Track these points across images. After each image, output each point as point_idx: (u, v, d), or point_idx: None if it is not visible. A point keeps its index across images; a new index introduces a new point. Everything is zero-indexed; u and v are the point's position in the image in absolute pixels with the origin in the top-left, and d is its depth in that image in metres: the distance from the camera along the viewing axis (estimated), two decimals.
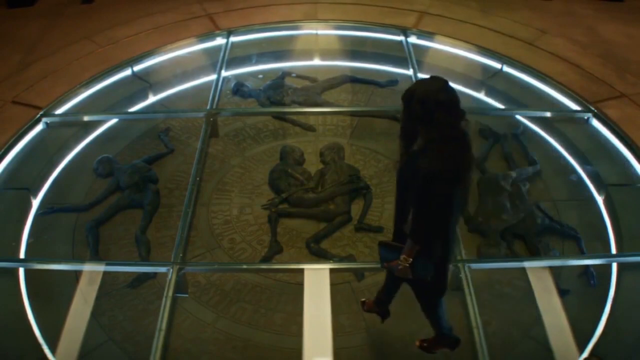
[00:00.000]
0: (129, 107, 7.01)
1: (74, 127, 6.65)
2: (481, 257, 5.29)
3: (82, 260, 5.23)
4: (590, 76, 7.28)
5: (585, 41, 8.04)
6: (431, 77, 3.40)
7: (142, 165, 6.06)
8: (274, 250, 5.33)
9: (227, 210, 5.75)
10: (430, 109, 3.22)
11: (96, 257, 5.27)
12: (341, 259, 5.23)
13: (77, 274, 5.09)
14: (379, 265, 5.13)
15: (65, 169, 6.21)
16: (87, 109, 6.84)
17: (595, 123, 6.67)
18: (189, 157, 6.25)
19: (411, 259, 3.60)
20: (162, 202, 5.84)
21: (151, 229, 5.56)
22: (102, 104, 6.95)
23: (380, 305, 4.51)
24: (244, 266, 5.25)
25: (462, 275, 4.86)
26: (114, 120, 6.77)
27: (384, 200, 5.78)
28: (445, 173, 3.29)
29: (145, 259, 5.24)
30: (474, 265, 5.01)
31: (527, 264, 5.14)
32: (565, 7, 8.94)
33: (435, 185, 3.30)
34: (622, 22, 8.54)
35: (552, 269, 5.11)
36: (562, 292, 4.98)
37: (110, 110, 6.90)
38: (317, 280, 4.72)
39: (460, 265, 4.93)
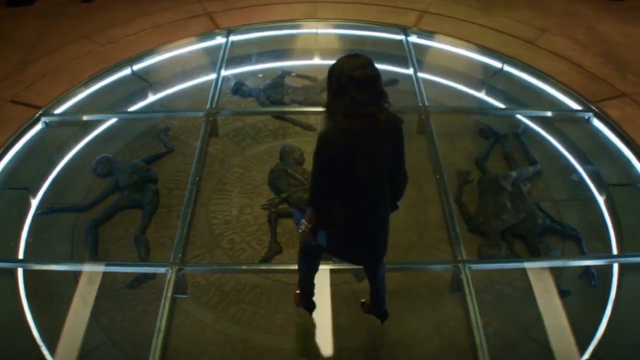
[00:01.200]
0: (129, 107, 6.99)
1: (73, 126, 6.63)
2: (481, 258, 5.27)
3: (81, 260, 5.21)
4: (591, 75, 7.26)
5: (586, 40, 8.03)
6: (355, 54, 3.41)
7: (141, 165, 6.04)
8: (274, 251, 5.31)
9: (226, 211, 5.73)
10: (343, 84, 3.29)
11: (95, 258, 5.24)
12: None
13: (76, 275, 5.07)
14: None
15: (65, 168, 6.18)
16: (86, 108, 6.82)
17: (596, 123, 6.65)
18: (189, 157, 6.23)
19: (311, 225, 3.72)
20: (161, 202, 5.81)
21: (150, 229, 5.54)
22: (101, 103, 6.93)
23: (307, 296, 4.55)
24: (244, 267, 5.23)
25: (463, 275, 4.84)
26: (113, 120, 6.75)
27: None
28: (322, 142, 3.41)
29: (144, 260, 5.22)
30: (475, 266, 4.99)
31: (527, 265, 5.13)
32: (565, 6, 8.93)
33: (315, 153, 3.45)
34: (622, 21, 8.53)
35: (552, 269, 5.11)
36: (563, 293, 4.98)
37: (109, 110, 6.88)
38: (316, 281, 4.67)
39: (460, 265, 4.92)
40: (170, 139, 6.56)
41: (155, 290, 4.95)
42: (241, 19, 8.31)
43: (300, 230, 3.81)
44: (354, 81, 3.29)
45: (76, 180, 6.07)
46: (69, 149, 6.37)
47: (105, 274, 5.05)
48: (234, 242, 5.43)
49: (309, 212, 3.73)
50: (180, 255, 4.99)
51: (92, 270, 5.05)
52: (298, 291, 4.59)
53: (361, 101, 3.31)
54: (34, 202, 5.79)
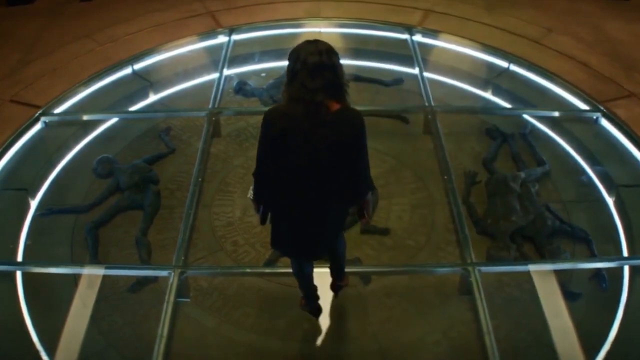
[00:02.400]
0: (129, 106, 6.89)
1: (73, 126, 6.53)
2: (491, 260, 5.16)
3: (81, 263, 5.11)
4: (598, 75, 7.16)
5: (592, 39, 7.92)
6: (315, 40, 3.36)
7: (142, 166, 5.94)
8: (278, 254, 5.17)
9: (229, 212, 5.63)
10: (297, 68, 3.25)
11: (95, 260, 5.14)
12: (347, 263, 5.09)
13: (76, 278, 4.97)
14: (386, 269, 5.08)
15: (64, 169, 6.09)
16: (86, 108, 6.72)
17: (604, 123, 6.54)
18: (191, 157, 6.13)
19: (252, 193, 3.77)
20: (163, 203, 5.71)
21: (152, 231, 5.44)
22: (101, 103, 6.83)
23: (310, 300, 4.51)
24: (248, 270, 5.11)
25: (472, 278, 4.75)
26: (113, 120, 6.65)
27: (391, 201, 5.65)
28: (263, 118, 3.41)
29: (146, 262, 5.12)
30: (484, 269, 4.90)
31: (537, 267, 5.03)
32: (570, 5, 8.82)
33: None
34: (627, 20, 8.43)
35: (562, 272, 5.02)
36: (574, 296, 4.90)
37: (110, 110, 6.78)
38: (319, 284, 4.58)
39: (470, 268, 4.82)
40: (172, 139, 6.46)
41: (157, 294, 4.83)
42: (243, 17, 8.21)
43: (247, 196, 3.83)
44: (306, 67, 3.23)
45: (76, 181, 5.97)
46: (69, 149, 6.28)
47: (105, 277, 4.94)
48: (237, 245, 5.32)
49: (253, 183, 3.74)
50: (182, 258, 4.89)
51: (92, 273, 4.95)
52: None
53: (310, 88, 3.23)
54: (33, 204, 5.70)
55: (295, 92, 3.28)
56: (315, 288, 4.49)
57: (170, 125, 6.63)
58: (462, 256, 5.05)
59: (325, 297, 4.63)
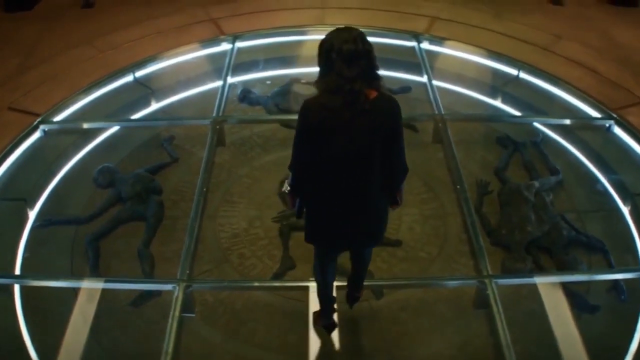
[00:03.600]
0: (131, 114, 6.72)
1: (73, 134, 6.37)
2: (507, 272, 4.98)
3: (81, 276, 4.93)
4: (608, 82, 7.04)
5: (601, 46, 7.82)
6: (346, 27, 3.26)
7: (144, 175, 5.77)
8: (287, 266, 5.02)
9: (235, 223, 5.45)
10: (332, 58, 3.15)
11: (96, 273, 4.96)
12: None
13: (76, 291, 4.79)
14: (399, 282, 4.90)
15: (64, 179, 5.90)
16: (86, 116, 6.56)
17: (617, 130, 6.40)
18: (194, 167, 5.96)
19: (289, 188, 3.69)
20: (166, 214, 5.53)
21: (155, 243, 5.25)
22: (102, 110, 6.67)
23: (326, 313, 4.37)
24: (256, 283, 4.93)
25: (490, 291, 4.57)
26: (115, 128, 6.47)
27: (401, 212, 5.45)
28: (301, 111, 3.29)
29: (149, 275, 4.94)
30: (501, 281, 4.73)
31: (555, 279, 4.90)
32: (578, 11, 8.74)
33: (297, 118, 3.34)
34: (636, 26, 8.34)
35: (579, 284, 4.89)
36: (592, 308, 4.75)
37: (111, 118, 6.61)
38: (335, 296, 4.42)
39: (487, 281, 4.65)
40: (175, 148, 6.30)
41: (161, 308, 4.63)
42: (247, 24, 8.07)
43: (282, 188, 3.76)
44: (342, 55, 3.13)
45: (76, 191, 5.80)
46: (69, 158, 6.11)
47: (106, 290, 4.77)
48: (243, 257, 5.14)
49: (290, 176, 3.66)
50: (187, 272, 4.71)
51: (92, 287, 4.77)
52: (317, 310, 4.38)
53: (348, 77, 3.14)
54: (32, 214, 5.52)
55: (333, 83, 3.17)
56: (334, 300, 4.35)
57: (173, 133, 6.46)
58: (476, 268, 4.89)
59: (337, 312, 4.44)
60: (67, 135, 6.35)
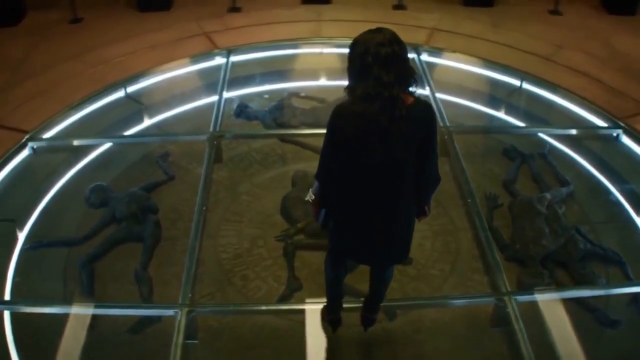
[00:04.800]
0: (123, 131, 6.48)
1: (63, 152, 6.13)
2: (524, 288, 4.75)
3: (75, 302, 4.64)
4: (613, 91, 6.92)
5: (604, 55, 7.72)
6: (378, 29, 3.05)
7: (140, 194, 5.51)
8: (293, 288, 4.75)
9: (236, 243, 5.19)
10: (368, 63, 2.94)
11: (91, 298, 4.67)
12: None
13: (69, 318, 4.49)
14: (414, 302, 4.66)
15: (55, 198, 5.64)
16: (77, 132, 6.31)
17: (626, 139, 6.26)
18: (191, 185, 5.71)
19: (316, 199, 3.50)
20: (163, 234, 5.26)
21: (153, 265, 4.98)
22: (93, 127, 6.43)
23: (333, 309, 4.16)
24: (263, 307, 4.65)
25: (510, 309, 4.35)
26: (107, 145, 6.23)
27: None
28: (334, 118, 3.11)
29: (147, 300, 4.65)
30: (521, 298, 4.50)
31: (575, 294, 4.72)
32: (578, 21, 8.65)
33: (327, 125, 3.16)
34: (637, 35, 8.26)
35: (598, 298, 4.70)
36: (613, 323, 4.56)
37: (102, 134, 6.38)
38: (345, 318, 4.19)
39: (506, 298, 4.42)
40: (170, 165, 6.06)
41: (161, 335, 4.34)
42: (241, 38, 7.89)
43: (306, 198, 3.56)
44: (379, 59, 2.92)
45: (68, 211, 5.54)
46: (59, 176, 5.84)
47: (102, 317, 4.51)
48: (247, 279, 4.88)
49: (316, 186, 3.47)
50: (190, 295, 4.43)
51: (87, 313, 4.49)
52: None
53: (387, 82, 2.93)
54: (21, 236, 5.25)
55: (371, 89, 2.95)
56: (342, 295, 4.14)
57: (168, 150, 6.23)
58: (492, 285, 4.70)
59: (349, 336, 4.24)
60: (57, 153, 6.11)
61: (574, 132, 6.48)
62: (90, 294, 4.71)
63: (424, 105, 3.17)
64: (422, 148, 3.18)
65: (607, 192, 5.84)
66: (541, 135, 6.50)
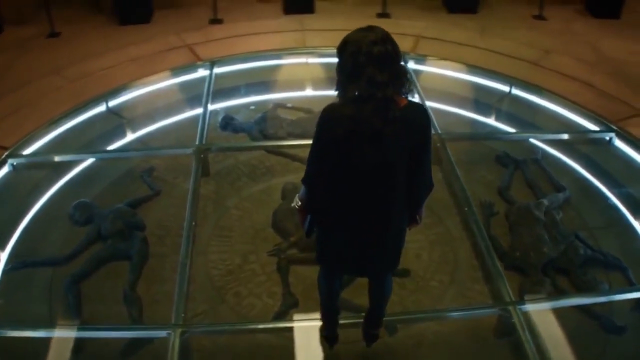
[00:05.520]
0: (106, 146, 6.27)
1: (44, 168, 5.91)
2: (527, 297, 4.60)
3: (61, 324, 4.42)
4: (604, 94, 6.89)
5: (592, 59, 7.71)
6: (369, 27, 2.92)
7: (125, 210, 5.32)
8: (289, 304, 4.56)
9: (228, 259, 5.00)
10: (361, 62, 2.80)
11: (78, 320, 4.45)
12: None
13: (56, 342, 4.26)
14: (416, 315, 4.49)
15: (37, 216, 5.42)
16: (58, 148, 6.10)
17: (619, 143, 6.21)
18: (178, 200, 5.54)
19: (300, 202, 3.36)
20: (151, 251, 5.05)
21: (141, 283, 4.77)
22: (75, 142, 6.23)
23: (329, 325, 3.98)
24: (259, 325, 4.45)
25: (515, 319, 4.21)
26: (89, 161, 6.01)
27: (407, 238, 5.04)
28: (323, 120, 2.98)
29: (137, 320, 4.44)
30: (527, 307, 4.36)
31: (580, 301, 4.61)
32: (564, 26, 8.64)
33: (316, 126, 3.04)
34: (622, 38, 8.28)
35: (602, 304, 4.60)
36: (619, 329, 4.45)
37: (84, 149, 6.17)
38: (343, 334, 4.02)
39: (511, 308, 4.29)
40: (155, 180, 5.86)
41: (153, 357, 4.17)
42: (224, 49, 7.74)
43: (292, 204, 3.42)
44: (372, 58, 2.79)
45: (51, 230, 5.31)
46: (41, 193, 5.63)
47: (91, 340, 4.31)
48: (240, 296, 4.69)
49: (302, 190, 3.32)
50: (182, 315, 4.23)
51: (75, 336, 4.27)
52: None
53: (381, 82, 2.81)
54: (3, 256, 5.02)
55: (364, 89, 2.82)
56: (338, 311, 3.96)
57: (152, 165, 6.04)
58: (493, 294, 4.58)
59: (349, 352, 4.08)
60: (38, 170, 5.90)
61: (566, 136, 6.40)
62: (77, 316, 4.50)
63: (418, 108, 3.06)
64: (415, 152, 3.05)
65: (603, 197, 5.76)
66: (534, 141, 6.41)
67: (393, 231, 3.31)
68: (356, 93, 2.84)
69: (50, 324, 4.44)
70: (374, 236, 3.27)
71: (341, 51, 2.92)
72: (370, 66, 2.80)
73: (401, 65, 2.93)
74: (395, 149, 2.99)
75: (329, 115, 2.96)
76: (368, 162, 2.99)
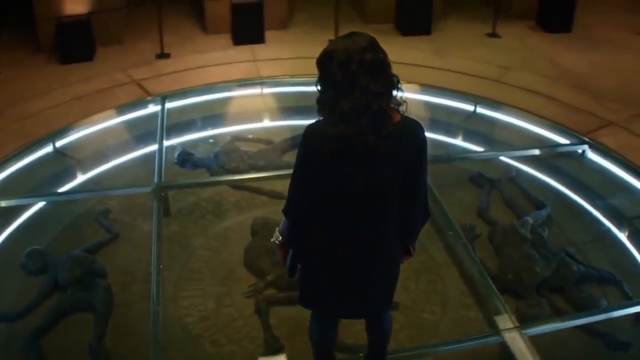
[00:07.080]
0: (56, 188, 5.80)
1: None
2: (525, 320, 4.30)
3: None
4: (570, 107, 6.89)
5: (552, 73, 7.73)
6: (352, 33, 2.65)
7: (83, 256, 4.87)
8: (273, 348, 4.15)
9: (201, 304, 4.59)
10: (353, 72, 2.51)
11: None
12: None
13: None
14: (409, 353, 4.12)
15: None
16: (3, 193, 5.62)
17: (592, 155, 6.14)
18: (139, 242, 5.14)
19: (280, 237, 3.01)
20: (116, 300, 4.61)
21: (108, 336, 4.31)
22: (21, 186, 5.76)
23: None
24: None
25: (523, 345, 3.93)
26: (39, 205, 5.55)
27: None
28: (308, 141, 2.69)
29: None
30: (532, 331, 4.08)
31: (584, 320, 4.36)
32: (517, 42, 8.65)
33: (299, 148, 2.76)
34: (578, 51, 8.33)
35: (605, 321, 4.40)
36: (624, 346, 4.27)
37: (32, 193, 5.71)
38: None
39: (516, 334, 4.01)
40: (112, 222, 5.44)
41: None
42: (174, 84, 7.39)
43: (272, 239, 3.04)
44: (365, 67, 2.52)
45: (2, 282, 4.83)
46: None
47: None
48: (219, 344, 4.27)
49: (283, 223, 2.98)
50: None
51: None
52: None
53: (376, 92, 2.54)
54: None
55: (359, 101, 2.52)
56: None
57: (108, 206, 5.61)
58: (489, 320, 4.28)
59: None
60: None
61: (538, 152, 6.26)
62: None
63: (413, 124, 2.75)
64: (409, 175, 2.75)
65: (583, 211, 5.64)
66: (505, 159, 6.25)
67: (388, 263, 3.00)
68: (349, 106, 2.53)
69: None
70: (365, 271, 2.93)
71: (326, 63, 2.59)
72: (363, 75, 2.51)
73: (393, 74, 2.65)
74: (388, 171, 2.69)
75: (314, 135, 2.65)
76: (359, 184, 2.67)
